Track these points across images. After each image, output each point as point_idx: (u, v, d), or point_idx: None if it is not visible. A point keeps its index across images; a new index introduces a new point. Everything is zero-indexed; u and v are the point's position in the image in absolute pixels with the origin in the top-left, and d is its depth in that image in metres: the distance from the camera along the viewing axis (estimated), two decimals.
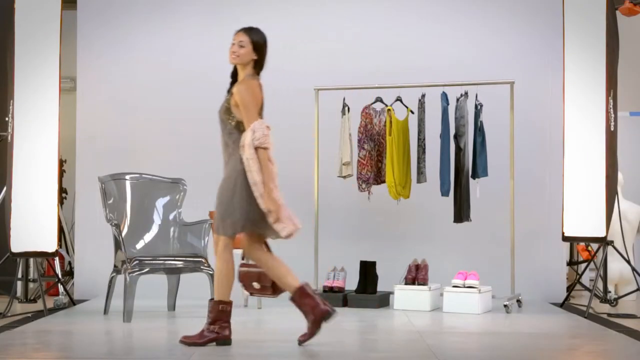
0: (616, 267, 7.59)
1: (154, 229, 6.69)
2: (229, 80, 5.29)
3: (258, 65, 5.26)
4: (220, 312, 5.10)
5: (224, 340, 5.11)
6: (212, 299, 5.16)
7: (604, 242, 6.84)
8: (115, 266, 6.49)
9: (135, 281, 6.15)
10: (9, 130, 6.59)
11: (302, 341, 5.12)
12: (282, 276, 5.17)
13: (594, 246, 7.77)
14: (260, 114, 5.19)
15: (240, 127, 5.12)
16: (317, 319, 5.10)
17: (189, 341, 5.09)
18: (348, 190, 7.46)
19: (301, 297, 5.14)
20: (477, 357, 5.02)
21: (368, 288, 7.11)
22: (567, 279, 7.77)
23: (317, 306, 5.10)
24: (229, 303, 5.12)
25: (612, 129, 6.83)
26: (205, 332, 5.11)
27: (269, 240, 5.28)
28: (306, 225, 7.51)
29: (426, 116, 7.16)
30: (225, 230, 5.08)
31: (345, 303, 7.06)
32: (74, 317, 6.46)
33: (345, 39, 7.89)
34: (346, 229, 7.78)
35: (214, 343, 5.10)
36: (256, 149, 5.02)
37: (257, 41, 5.23)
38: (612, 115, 6.83)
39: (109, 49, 7.99)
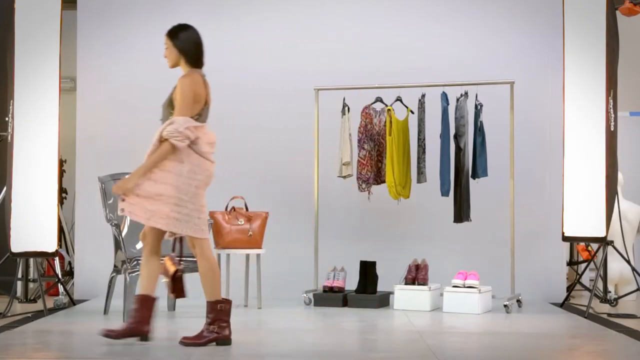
0: (616, 267, 7.59)
1: None
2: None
3: (190, 59, 5.23)
4: (219, 312, 5.08)
5: (224, 340, 5.10)
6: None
7: (604, 242, 6.84)
8: (115, 266, 6.49)
9: (135, 281, 6.15)
10: (9, 130, 6.59)
11: (109, 334, 5.08)
12: (153, 276, 5.16)
13: (594, 246, 7.77)
14: (204, 109, 5.16)
15: None
16: (132, 331, 5.09)
17: (189, 342, 5.08)
18: (348, 190, 7.46)
19: (143, 303, 5.12)
20: (477, 357, 5.02)
21: (368, 288, 7.11)
22: (567, 279, 7.77)
23: (142, 322, 5.09)
24: (227, 301, 5.11)
25: (612, 129, 6.83)
26: (205, 333, 5.09)
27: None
28: (306, 225, 7.59)
29: (426, 116, 7.16)
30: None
31: (345, 303, 7.06)
32: (74, 317, 6.45)
33: (345, 39, 7.89)
34: (346, 229, 7.78)
35: (214, 343, 5.10)
36: (164, 140, 5.03)
37: (174, 39, 5.23)
38: (612, 115, 6.83)
39: (109, 49, 7.98)
